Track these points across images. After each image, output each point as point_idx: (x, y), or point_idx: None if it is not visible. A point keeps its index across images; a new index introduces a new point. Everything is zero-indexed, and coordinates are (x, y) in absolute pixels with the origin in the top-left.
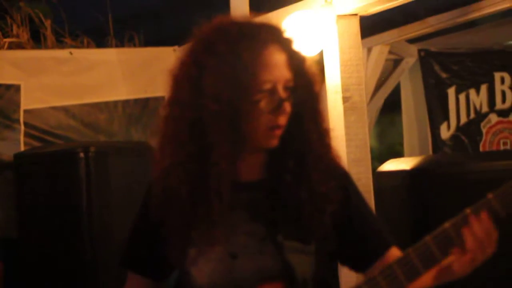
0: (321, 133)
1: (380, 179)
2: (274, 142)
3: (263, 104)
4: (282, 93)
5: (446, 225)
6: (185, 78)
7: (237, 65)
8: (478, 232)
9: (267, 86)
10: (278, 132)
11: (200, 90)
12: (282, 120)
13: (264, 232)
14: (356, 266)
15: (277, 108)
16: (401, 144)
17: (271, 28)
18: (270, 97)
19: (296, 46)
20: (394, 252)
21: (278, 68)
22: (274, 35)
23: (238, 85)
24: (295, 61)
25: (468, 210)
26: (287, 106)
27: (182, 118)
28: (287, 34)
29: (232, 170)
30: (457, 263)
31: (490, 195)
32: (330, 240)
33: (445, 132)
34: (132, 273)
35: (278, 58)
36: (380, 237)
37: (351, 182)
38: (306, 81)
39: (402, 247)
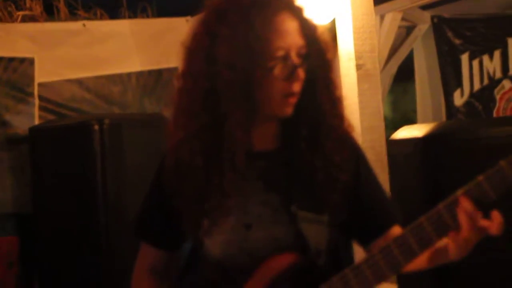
0: (334, 102)
1: (394, 146)
2: (289, 110)
3: (277, 71)
4: (295, 59)
5: (440, 206)
6: (198, 49)
7: (250, 32)
8: (471, 211)
9: (280, 52)
10: (293, 100)
11: (213, 59)
12: (296, 86)
13: (278, 202)
14: (359, 239)
15: (291, 75)
16: (415, 112)
17: None
18: (284, 64)
19: (307, 14)
20: (397, 230)
21: (290, 35)
22: (286, 3)
23: (251, 52)
24: (307, 29)
25: (459, 192)
26: (301, 72)
27: (196, 89)
28: (298, 2)
29: (246, 139)
30: (452, 244)
31: (480, 177)
32: (342, 210)
33: (458, 99)
34: (145, 243)
35: (290, 25)
36: (385, 213)
37: (361, 154)
38: (318, 49)
39: (415, 214)
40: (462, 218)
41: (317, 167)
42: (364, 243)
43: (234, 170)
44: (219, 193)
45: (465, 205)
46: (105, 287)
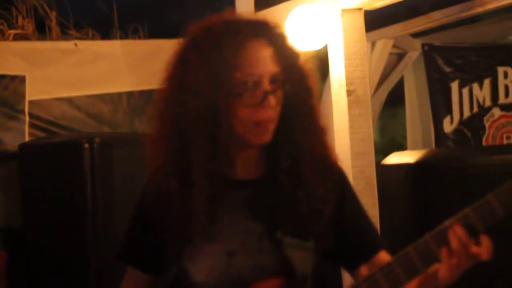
0: (317, 131)
1: (384, 172)
2: (265, 138)
3: (245, 98)
4: (266, 86)
5: (427, 236)
6: (172, 75)
7: (218, 59)
8: (454, 245)
9: (250, 79)
10: (268, 126)
11: (184, 86)
12: (269, 113)
13: (263, 229)
14: (345, 265)
15: (261, 101)
16: (404, 137)
17: (258, 23)
18: (253, 91)
19: (286, 41)
20: (383, 256)
21: (261, 62)
22: (260, 30)
23: (217, 79)
24: (284, 56)
25: (447, 223)
26: (271, 99)
27: (167, 114)
28: (277, 29)
29: (213, 165)
30: (443, 269)
31: (467, 209)
32: (327, 237)
33: (448, 126)
34: (130, 267)
35: (262, 53)
36: (371, 240)
37: (346, 182)
38: (297, 75)
39: (404, 240)
40: (455, 244)
41: (300, 199)
42: (350, 269)
43: (205, 196)
44: (199, 220)
45: (458, 231)
46: None
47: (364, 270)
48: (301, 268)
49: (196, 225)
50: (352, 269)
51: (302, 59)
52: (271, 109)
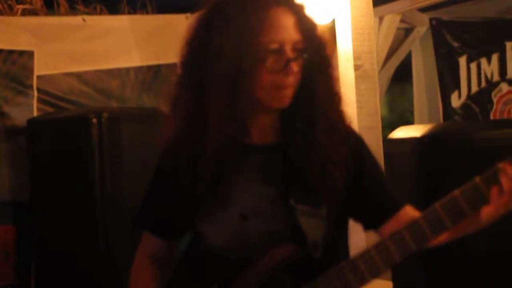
0: (332, 98)
1: (391, 146)
2: (284, 102)
3: (269, 63)
4: (289, 53)
5: (436, 205)
6: (193, 40)
7: (243, 24)
8: (505, 185)
9: (274, 45)
10: (287, 92)
11: (206, 50)
12: (290, 80)
13: (275, 195)
14: (370, 224)
15: (283, 67)
16: (412, 112)
17: None
18: (277, 57)
19: (306, 12)
20: (409, 210)
21: (285, 29)
22: None
23: (241, 43)
24: (305, 25)
25: (456, 192)
26: (295, 66)
27: (186, 78)
28: (298, 1)
29: (228, 129)
30: (486, 211)
31: (477, 179)
32: (341, 204)
33: (456, 101)
34: (147, 233)
35: (286, 20)
36: (394, 197)
37: (364, 146)
38: (316, 45)
39: None
40: (505, 183)
41: (313, 163)
42: (376, 227)
43: (213, 158)
44: (213, 183)
45: (509, 171)
46: (102, 276)
47: (390, 227)
48: (313, 236)
49: (211, 189)
50: (378, 226)
51: (319, 29)
52: (292, 76)
